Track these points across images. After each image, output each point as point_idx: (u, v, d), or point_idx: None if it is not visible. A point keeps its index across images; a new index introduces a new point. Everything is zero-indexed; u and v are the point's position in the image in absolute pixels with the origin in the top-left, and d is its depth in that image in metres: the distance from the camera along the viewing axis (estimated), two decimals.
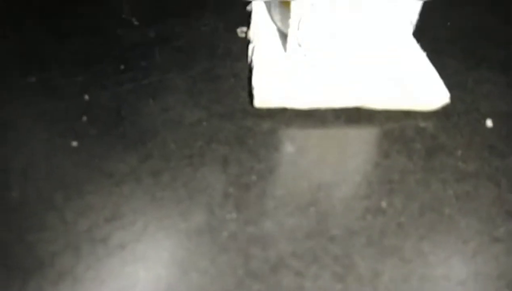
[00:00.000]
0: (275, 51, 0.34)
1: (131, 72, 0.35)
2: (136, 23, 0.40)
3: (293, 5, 0.30)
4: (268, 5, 0.38)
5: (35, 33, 0.38)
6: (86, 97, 0.32)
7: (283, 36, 0.34)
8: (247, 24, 0.39)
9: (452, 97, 0.32)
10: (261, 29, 0.37)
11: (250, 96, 0.32)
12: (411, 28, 0.31)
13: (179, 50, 0.37)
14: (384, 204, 0.26)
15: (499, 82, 0.35)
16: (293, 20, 0.31)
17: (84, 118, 0.31)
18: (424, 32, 0.36)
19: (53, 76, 0.34)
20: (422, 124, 0.31)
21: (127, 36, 0.38)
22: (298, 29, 0.31)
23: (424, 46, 0.35)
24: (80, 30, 0.38)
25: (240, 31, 0.39)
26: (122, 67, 0.35)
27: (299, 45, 0.32)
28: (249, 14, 0.39)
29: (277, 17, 0.35)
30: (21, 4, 0.42)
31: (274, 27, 0.36)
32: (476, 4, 0.43)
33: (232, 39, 0.38)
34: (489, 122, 0.32)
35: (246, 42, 0.37)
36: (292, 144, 0.30)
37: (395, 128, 0.31)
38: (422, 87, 0.32)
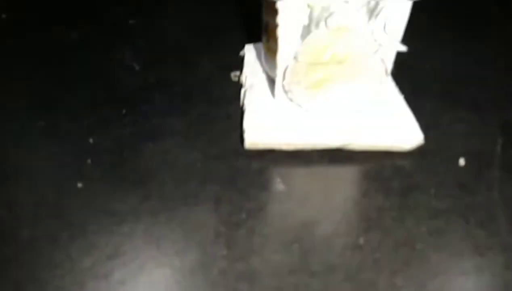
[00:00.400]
0: (264, 96, 0.37)
1: (132, 116, 0.38)
2: (137, 68, 0.43)
3: (278, 56, 0.33)
4: (259, 52, 0.41)
5: (43, 79, 0.41)
6: (91, 140, 0.35)
7: (272, 82, 0.37)
8: (240, 68, 0.42)
9: (428, 137, 0.35)
10: (252, 74, 0.40)
11: (241, 138, 0.35)
12: (387, 76, 0.34)
13: (177, 94, 0.40)
14: (361, 240, 0.29)
15: (473, 122, 0.38)
16: (279, 70, 0.34)
17: (89, 161, 0.34)
18: (405, 75, 0.39)
19: (61, 121, 0.37)
20: (399, 163, 0.34)
21: (129, 81, 0.41)
22: (284, 78, 0.34)
23: (403, 88, 0.38)
24: (85, 76, 0.42)
25: (234, 75, 0.42)
26: (124, 111, 0.38)
27: (286, 92, 0.35)
28: (242, 59, 0.42)
29: (265, 64, 0.38)
30: (29, 52, 0.45)
31: (264, 73, 0.39)
32: (453, 48, 0.46)
33: (226, 83, 0.41)
34: (461, 161, 0.34)
35: (239, 85, 0.40)
36: (279, 183, 0.33)
37: (374, 168, 0.34)
38: (398, 129, 0.34)
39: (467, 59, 0.45)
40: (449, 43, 0.47)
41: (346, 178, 0.33)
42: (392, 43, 0.31)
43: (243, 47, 0.43)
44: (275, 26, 0.30)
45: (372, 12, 0.29)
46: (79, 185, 0.32)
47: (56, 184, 0.32)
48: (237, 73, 0.42)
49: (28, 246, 0.29)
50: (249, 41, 0.44)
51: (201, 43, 0.46)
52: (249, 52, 0.42)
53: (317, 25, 0.30)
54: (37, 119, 0.37)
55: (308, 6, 0.29)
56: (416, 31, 0.47)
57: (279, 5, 0.28)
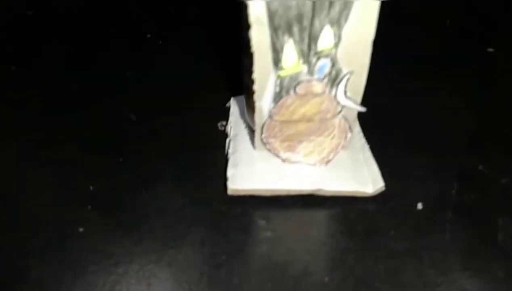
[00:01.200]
0: (246, 145, 0.42)
1: (128, 164, 0.42)
2: (133, 119, 0.48)
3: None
4: (243, 104, 0.46)
5: (46, 130, 0.46)
6: (91, 188, 0.40)
7: (253, 133, 0.42)
8: (227, 118, 0.47)
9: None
10: (236, 124, 0.45)
11: (225, 184, 0.40)
12: (351, 131, 0.39)
13: (168, 143, 0.45)
14: (326, 279, 0.33)
15: (432, 168, 0.42)
16: (257, 125, 0.38)
17: (89, 207, 0.38)
18: (374, 124, 0.43)
19: (64, 169, 0.42)
20: (363, 208, 0.38)
21: (126, 131, 0.46)
22: (262, 132, 0.39)
23: (372, 137, 0.43)
24: (86, 126, 0.46)
25: (220, 125, 0.47)
26: (121, 159, 0.43)
27: (264, 144, 0.40)
28: (228, 110, 0.47)
29: (247, 118, 0.43)
30: (33, 103, 0.50)
31: (246, 124, 0.44)
32: (421, 97, 0.51)
33: (213, 132, 0.46)
34: (419, 205, 0.39)
35: (225, 135, 0.45)
36: (257, 227, 0.37)
37: (341, 212, 0.38)
38: (362, 176, 0.39)
39: (433, 108, 0.50)
40: (418, 92, 0.52)
41: (317, 221, 0.38)
42: (352, 106, 0.35)
43: (229, 99, 0.48)
44: (253, 90, 0.35)
45: (333, 81, 0.34)
46: (81, 229, 0.37)
47: (60, 229, 0.37)
48: (224, 123, 0.47)
49: (36, 284, 0.33)
50: (235, 94, 0.49)
51: (192, 95, 0.51)
52: (234, 104, 0.47)
53: (287, 92, 0.35)
54: (42, 168, 0.42)
55: (279, 76, 0.33)
56: (388, 80, 0.52)
57: (255, 75, 0.33)
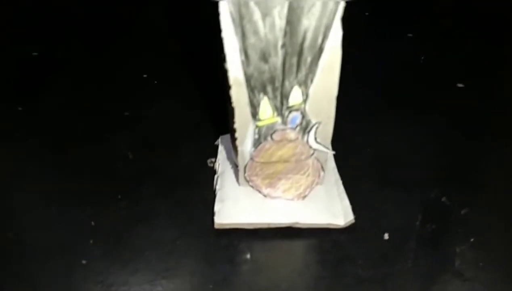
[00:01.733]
0: (232, 182, 0.47)
1: (126, 201, 0.47)
2: (131, 157, 0.52)
3: (239, 155, 0.42)
4: (229, 143, 0.51)
5: (52, 170, 0.51)
6: (92, 223, 0.44)
7: (238, 170, 0.47)
8: (215, 156, 0.51)
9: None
10: (224, 162, 0.49)
11: (213, 218, 0.44)
12: (323, 171, 0.43)
13: (163, 180, 0.49)
14: None
15: (398, 200, 0.47)
16: (240, 165, 0.43)
17: (91, 241, 0.43)
18: (347, 159, 0.48)
19: (68, 207, 0.46)
20: (336, 238, 0.43)
21: (124, 169, 0.51)
22: (245, 171, 0.43)
23: (344, 171, 0.48)
24: (86, 165, 0.51)
25: (210, 161, 0.51)
26: (119, 196, 0.47)
27: (247, 181, 0.44)
28: (217, 147, 0.52)
29: (233, 155, 0.48)
30: (37, 145, 0.55)
31: (232, 161, 0.49)
32: (394, 131, 0.56)
33: (204, 169, 0.51)
34: (386, 236, 0.43)
35: (214, 171, 0.50)
36: (241, 257, 0.42)
37: (316, 242, 0.42)
38: (335, 210, 0.44)
39: (402, 143, 0.55)
40: (389, 127, 0.57)
41: (294, 251, 0.42)
42: (322, 149, 0.40)
43: (218, 136, 0.53)
44: (235, 137, 0.40)
45: (304, 129, 0.39)
46: (84, 261, 0.41)
47: (66, 261, 0.41)
48: (213, 159, 0.51)
49: None
50: (223, 132, 0.53)
51: (184, 133, 0.56)
52: (223, 142, 0.52)
53: (265, 138, 0.39)
54: (48, 207, 0.46)
55: (257, 126, 0.38)
56: (361, 116, 0.57)
57: (236, 125, 0.38)
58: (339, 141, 0.42)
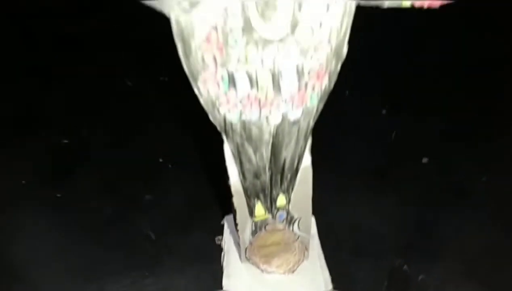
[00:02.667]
0: (236, 258, 0.58)
1: (153, 277, 0.58)
2: (153, 237, 0.64)
3: (240, 240, 0.54)
4: (232, 223, 0.63)
5: (84, 247, 0.63)
6: None
7: (240, 248, 0.59)
8: (222, 233, 0.63)
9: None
10: (229, 240, 0.61)
11: None
12: (307, 251, 0.55)
13: (181, 257, 0.61)
14: None
15: (368, 269, 0.58)
16: (241, 247, 0.55)
17: None
18: (328, 235, 0.60)
19: (103, 284, 0.58)
20: None
21: (147, 248, 0.62)
22: (245, 252, 0.55)
23: (325, 245, 0.59)
24: (116, 245, 0.63)
25: (217, 239, 0.63)
26: (147, 273, 0.59)
27: (248, 259, 0.56)
28: (223, 226, 0.64)
29: (236, 236, 0.60)
30: (70, 226, 0.67)
31: (236, 240, 0.61)
32: (361, 205, 0.68)
33: (213, 246, 0.62)
34: None
35: (221, 248, 0.61)
36: None
37: None
38: (317, 281, 0.55)
39: (375, 216, 0.67)
40: (363, 202, 0.69)
41: None
42: (304, 235, 0.52)
43: (224, 216, 0.65)
44: (237, 229, 0.52)
45: (290, 222, 0.51)
46: None
47: None
48: (220, 237, 0.63)
49: None
50: (228, 211, 0.65)
51: (196, 213, 0.68)
52: (227, 222, 0.64)
53: (260, 229, 0.52)
54: (88, 280, 0.58)
55: (253, 221, 0.51)
56: (336, 192, 0.69)
57: (237, 221, 0.50)
58: (322, 215, 0.54)
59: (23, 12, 1.30)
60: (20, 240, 0.68)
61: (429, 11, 0.38)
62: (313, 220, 0.58)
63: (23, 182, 0.76)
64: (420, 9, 0.37)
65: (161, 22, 0.37)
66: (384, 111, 0.90)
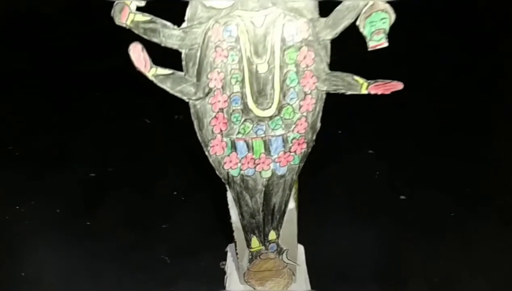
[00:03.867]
0: (237, 281, 0.71)
1: None
2: (169, 262, 0.77)
3: (239, 266, 0.67)
4: (234, 252, 0.75)
5: (106, 272, 0.76)
6: None
7: (240, 273, 0.71)
8: (226, 259, 0.76)
9: None
10: (231, 265, 0.74)
11: None
12: (295, 276, 0.68)
13: (192, 277, 0.74)
14: None
15: None
16: (240, 272, 0.67)
17: None
18: (314, 262, 0.72)
19: None
20: None
21: (164, 272, 0.75)
22: (244, 276, 0.68)
23: (311, 272, 0.71)
24: (135, 270, 0.76)
25: (222, 264, 0.76)
26: None
27: (246, 282, 0.68)
28: (226, 253, 0.76)
29: (237, 262, 0.72)
30: (95, 252, 0.80)
31: (237, 265, 0.73)
32: (344, 236, 0.80)
33: (218, 270, 0.75)
34: None
35: (224, 272, 0.74)
36: None
37: None
38: None
39: (355, 246, 0.79)
40: (344, 233, 0.81)
41: None
42: (292, 263, 0.65)
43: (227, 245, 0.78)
44: (237, 257, 0.65)
45: (279, 252, 0.64)
46: None
47: None
48: (224, 262, 0.76)
49: None
50: (231, 240, 0.78)
51: (204, 240, 0.81)
52: (231, 249, 0.77)
53: (255, 257, 0.64)
54: None
55: (250, 251, 0.63)
56: (325, 220, 0.81)
57: (237, 251, 0.63)
58: (310, 244, 0.66)
59: (47, 50, 1.46)
60: (55, 261, 0.81)
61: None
62: (302, 249, 0.70)
63: (58, 210, 0.90)
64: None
65: (174, 61, 0.49)
66: (371, 151, 1.03)
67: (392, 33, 0.47)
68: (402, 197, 0.90)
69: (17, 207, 0.91)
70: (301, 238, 0.67)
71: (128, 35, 0.46)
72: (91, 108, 1.19)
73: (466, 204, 0.88)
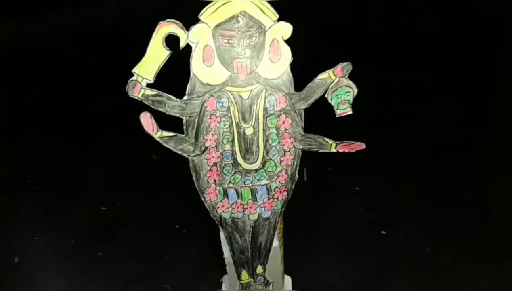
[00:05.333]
0: None
1: None
2: (170, 290, 0.86)
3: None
4: (228, 282, 0.84)
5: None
6: None
7: None
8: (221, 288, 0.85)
9: None
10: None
11: None
12: None
13: None
14: None
15: None
16: None
17: None
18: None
19: None
20: None
21: None
22: None
23: None
24: None
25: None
26: None
27: None
28: (221, 283, 0.86)
29: None
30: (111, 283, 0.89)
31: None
32: (327, 270, 0.89)
33: None
34: None
35: None
36: None
37: None
38: None
39: (338, 277, 0.87)
40: (331, 265, 0.90)
41: None
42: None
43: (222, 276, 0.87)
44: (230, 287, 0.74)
45: (266, 284, 0.73)
46: None
47: None
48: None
49: None
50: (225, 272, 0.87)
51: (203, 273, 0.90)
52: (225, 280, 0.86)
53: (245, 288, 0.73)
54: None
55: (240, 283, 0.73)
56: (312, 256, 0.91)
57: (229, 282, 0.73)
58: (297, 276, 0.75)
59: (61, 86, 1.59)
60: (68, 288, 0.90)
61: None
62: (289, 281, 0.79)
63: (72, 242, 1.00)
64: None
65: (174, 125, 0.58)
66: (357, 188, 1.12)
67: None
68: (383, 232, 0.99)
69: (36, 238, 1.01)
70: (289, 270, 0.76)
71: None
72: (102, 144, 1.31)
73: (440, 239, 0.97)
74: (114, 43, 1.89)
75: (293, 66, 0.57)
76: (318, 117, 0.61)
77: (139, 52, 0.56)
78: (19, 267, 0.94)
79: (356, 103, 0.58)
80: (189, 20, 0.56)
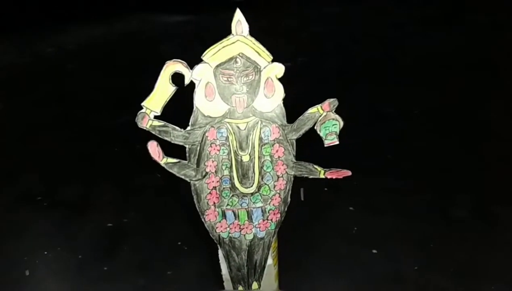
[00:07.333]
0: None
1: None
2: None
3: None
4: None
5: None
6: None
7: None
8: None
9: None
10: None
11: None
12: None
13: None
14: None
15: None
16: None
17: None
18: None
19: None
20: None
21: None
22: None
23: None
24: None
25: None
26: None
27: None
28: None
29: None
30: None
31: None
32: (320, 283, 0.95)
33: None
34: None
35: None
36: None
37: None
38: None
39: None
40: (324, 279, 0.95)
41: None
42: None
43: None
44: None
45: None
46: None
47: None
48: None
49: None
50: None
51: (203, 287, 0.95)
52: None
53: None
54: None
55: None
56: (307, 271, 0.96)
57: None
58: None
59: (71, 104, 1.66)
60: None
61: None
62: None
63: (80, 256, 1.05)
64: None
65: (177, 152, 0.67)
66: (351, 208, 1.18)
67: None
68: (374, 251, 1.04)
69: (45, 252, 1.07)
70: (284, 287, 0.82)
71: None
72: (109, 162, 1.37)
73: (428, 258, 1.02)
74: (122, 62, 1.98)
75: (286, 101, 0.63)
76: (309, 147, 0.67)
77: (146, 72, 0.63)
78: (30, 279, 1.00)
79: (350, 128, 0.65)
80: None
